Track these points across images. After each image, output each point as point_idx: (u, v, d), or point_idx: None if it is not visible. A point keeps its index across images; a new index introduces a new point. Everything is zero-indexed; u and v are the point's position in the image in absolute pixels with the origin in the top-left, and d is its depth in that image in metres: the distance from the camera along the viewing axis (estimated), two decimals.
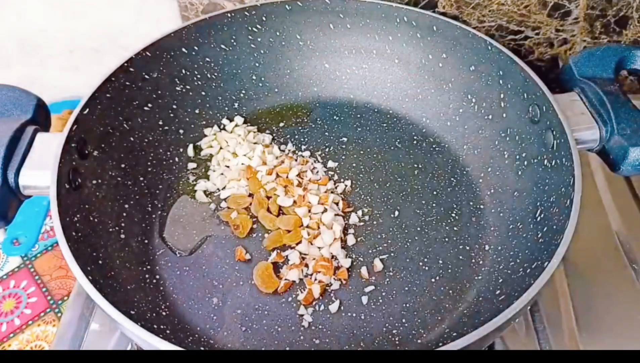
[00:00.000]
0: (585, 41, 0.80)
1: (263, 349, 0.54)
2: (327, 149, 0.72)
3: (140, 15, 0.80)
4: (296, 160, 0.70)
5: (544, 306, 0.60)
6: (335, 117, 0.74)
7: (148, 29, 0.62)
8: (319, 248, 0.61)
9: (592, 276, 0.64)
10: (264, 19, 0.70)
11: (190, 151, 0.70)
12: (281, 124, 0.74)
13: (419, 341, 0.55)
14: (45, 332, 0.71)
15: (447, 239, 0.63)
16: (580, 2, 0.75)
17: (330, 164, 0.70)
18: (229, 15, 0.68)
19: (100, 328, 0.60)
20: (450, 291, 0.58)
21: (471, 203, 0.66)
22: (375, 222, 0.64)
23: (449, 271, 0.60)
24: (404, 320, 0.56)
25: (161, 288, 0.59)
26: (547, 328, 0.59)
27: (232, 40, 0.70)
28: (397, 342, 0.55)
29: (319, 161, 0.70)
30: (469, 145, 0.69)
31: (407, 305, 0.57)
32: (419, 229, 0.63)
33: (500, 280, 0.57)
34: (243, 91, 0.74)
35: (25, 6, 0.80)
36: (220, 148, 0.70)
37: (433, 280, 0.59)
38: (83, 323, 0.61)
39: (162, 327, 0.54)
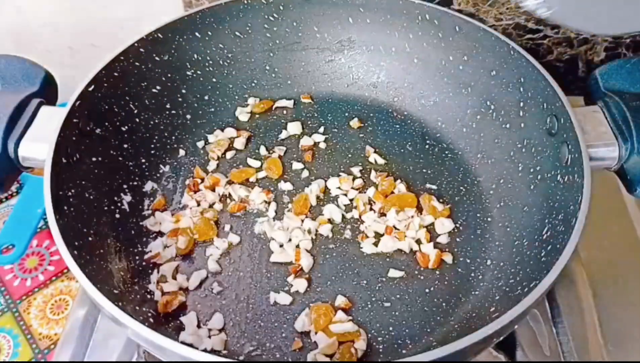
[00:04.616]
0: (607, 41, 0.75)
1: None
2: None
3: (142, 11, 0.78)
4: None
5: (567, 318, 0.58)
6: (346, 114, 0.72)
7: (150, 25, 0.61)
8: None
9: (617, 288, 0.63)
10: (281, 8, 0.69)
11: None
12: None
13: (404, 352, 0.53)
14: (69, 287, 0.72)
15: (447, 249, 0.60)
16: None
17: None
18: (245, 2, 0.67)
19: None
20: (444, 304, 0.56)
21: (478, 215, 0.62)
22: None
23: (445, 282, 0.57)
24: (390, 329, 0.54)
25: (149, 271, 0.58)
26: (571, 340, 0.56)
27: (247, 28, 0.69)
28: (380, 351, 0.53)
29: None
30: (483, 154, 0.66)
31: (396, 314, 0.55)
32: None
33: (497, 297, 0.54)
34: (255, 81, 0.72)
35: (24, 0, 0.78)
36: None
37: (427, 290, 0.57)
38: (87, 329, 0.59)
39: (144, 309, 0.54)
